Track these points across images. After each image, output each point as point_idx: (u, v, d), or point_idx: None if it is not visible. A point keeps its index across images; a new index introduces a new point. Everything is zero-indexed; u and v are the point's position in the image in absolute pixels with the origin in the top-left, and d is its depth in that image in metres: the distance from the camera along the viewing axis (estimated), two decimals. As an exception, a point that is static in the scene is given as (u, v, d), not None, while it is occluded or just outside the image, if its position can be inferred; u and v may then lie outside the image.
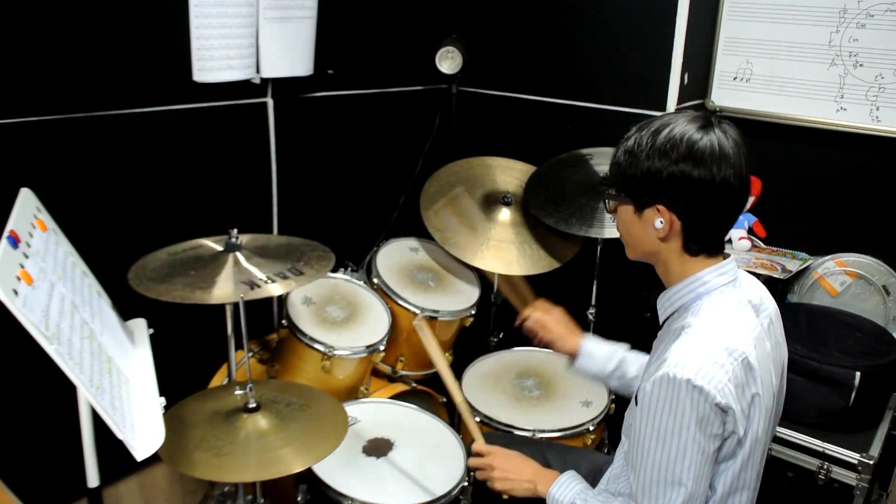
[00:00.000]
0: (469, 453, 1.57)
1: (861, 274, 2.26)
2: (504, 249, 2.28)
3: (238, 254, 1.70)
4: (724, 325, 1.19)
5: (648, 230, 1.23)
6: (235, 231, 1.73)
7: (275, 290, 1.61)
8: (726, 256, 1.28)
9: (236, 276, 1.62)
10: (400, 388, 2.26)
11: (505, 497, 1.46)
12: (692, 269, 1.25)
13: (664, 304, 1.31)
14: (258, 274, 1.64)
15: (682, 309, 1.27)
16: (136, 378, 1.32)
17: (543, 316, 1.68)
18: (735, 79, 2.41)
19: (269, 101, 2.26)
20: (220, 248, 1.73)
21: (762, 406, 1.20)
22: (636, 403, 1.25)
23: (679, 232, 1.22)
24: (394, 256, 2.45)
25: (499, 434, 1.91)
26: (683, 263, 1.25)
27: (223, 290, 1.56)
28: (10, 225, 1.14)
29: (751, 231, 2.45)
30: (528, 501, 1.44)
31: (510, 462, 1.47)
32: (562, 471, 1.43)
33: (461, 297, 2.38)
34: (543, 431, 1.91)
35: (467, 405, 1.66)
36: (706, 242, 1.24)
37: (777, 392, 1.29)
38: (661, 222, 1.21)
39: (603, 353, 1.62)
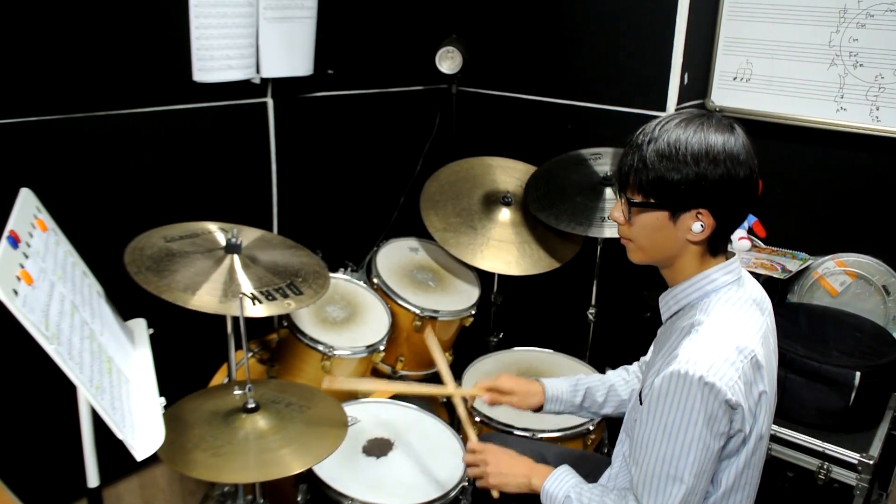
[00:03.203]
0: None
1: (861, 274, 2.25)
2: (504, 249, 2.28)
3: (235, 257, 1.67)
4: (735, 323, 1.20)
5: (679, 234, 1.22)
6: (236, 230, 1.72)
7: (259, 311, 1.57)
8: (730, 255, 1.28)
9: (226, 287, 1.58)
10: (400, 388, 2.26)
11: (495, 495, 1.45)
12: (703, 267, 1.25)
13: (668, 302, 1.31)
14: (249, 289, 1.60)
15: (689, 307, 1.27)
16: (136, 378, 1.32)
17: (494, 392, 1.61)
18: (735, 79, 2.41)
19: (269, 101, 2.26)
20: (221, 242, 1.71)
21: (768, 404, 1.21)
22: (641, 402, 1.25)
23: (710, 233, 1.21)
24: (394, 256, 2.45)
25: (498, 435, 1.90)
26: (699, 263, 1.25)
27: (206, 300, 1.53)
28: (10, 225, 1.14)
29: (751, 231, 2.45)
30: (524, 500, 1.43)
31: (503, 458, 1.46)
32: None
33: (461, 297, 2.38)
34: (543, 431, 1.91)
35: (463, 400, 1.65)
36: (727, 240, 1.25)
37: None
38: (702, 226, 1.20)
39: (566, 392, 1.61)
